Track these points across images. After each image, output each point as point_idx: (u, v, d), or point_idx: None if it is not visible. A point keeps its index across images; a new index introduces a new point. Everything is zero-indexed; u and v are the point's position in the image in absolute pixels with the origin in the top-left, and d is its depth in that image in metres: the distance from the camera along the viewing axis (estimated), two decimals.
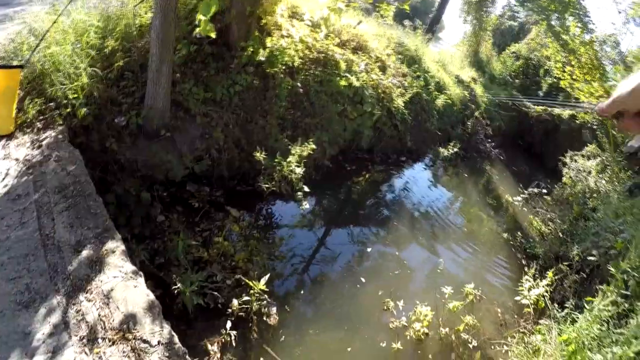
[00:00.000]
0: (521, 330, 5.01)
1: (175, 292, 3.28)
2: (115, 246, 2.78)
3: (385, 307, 4.41)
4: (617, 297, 4.22)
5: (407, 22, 13.43)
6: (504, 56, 19.85)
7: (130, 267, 2.68)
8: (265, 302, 3.70)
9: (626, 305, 4.22)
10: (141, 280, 2.65)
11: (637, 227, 5.71)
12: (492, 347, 4.64)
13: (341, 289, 4.57)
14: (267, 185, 4.82)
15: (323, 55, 6.73)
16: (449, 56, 15.80)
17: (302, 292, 4.36)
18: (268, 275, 3.73)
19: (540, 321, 4.98)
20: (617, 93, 1.10)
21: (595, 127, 11.61)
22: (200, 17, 3.91)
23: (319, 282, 4.60)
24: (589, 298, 4.45)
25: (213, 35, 3.95)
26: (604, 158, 10.41)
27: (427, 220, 7.60)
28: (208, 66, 4.95)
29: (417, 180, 9.33)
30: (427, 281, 5.47)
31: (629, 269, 4.45)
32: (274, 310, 3.74)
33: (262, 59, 5.43)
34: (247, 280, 3.69)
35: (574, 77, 11.73)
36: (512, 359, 4.47)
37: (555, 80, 14.57)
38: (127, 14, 4.89)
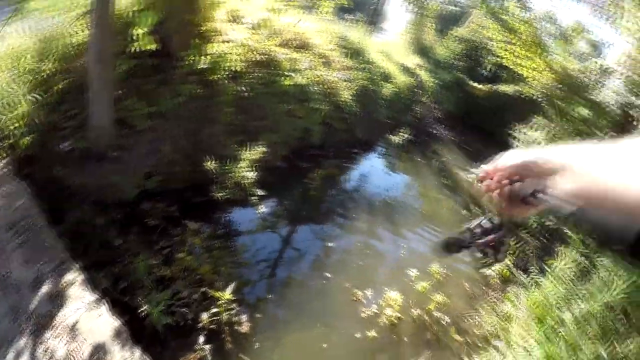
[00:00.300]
0: (491, 300, 5.43)
1: (143, 314, 3.34)
2: (74, 277, 2.85)
3: (354, 298, 4.65)
4: (576, 256, 4.64)
5: (348, 16, 13.73)
6: (447, 41, 20.65)
7: (92, 296, 2.76)
8: (234, 311, 3.83)
9: (587, 262, 4.68)
10: (105, 308, 2.74)
11: None
12: (465, 320, 4.97)
13: (309, 287, 4.77)
14: (220, 194, 4.93)
15: (266, 56, 6.86)
16: (393, 45, 16.32)
17: (271, 295, 4.50)
18: (234, 284, 3.88)
19: (508, 289, 5.42)
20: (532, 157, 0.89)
21: (540, 99, 12.37)
22: (138, 30, 3.98)
23: (287, 283, 4.78)
24: (550, 260, 4.76)
25: (153, 47, 4.01)
26: (550, 128, 11.20)
27: (386, 207, 7.95)
28: (150, 79, 4.96)
29: (372, 170, 9.71)
30: (392, 267, 5.77)
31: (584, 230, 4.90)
32: (244, 317, 3.87)
33: (205, 66, 5.51)
34: (213, 292, 3.80)
35: (516, 54, 12.46)
36: (485, 329, 4.85)
37: (498, 59, 15.37)
38: (63, 33, 4.83)
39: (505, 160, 0.97)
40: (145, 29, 4.07)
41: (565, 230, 5.18)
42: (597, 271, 4.35)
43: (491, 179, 1.01)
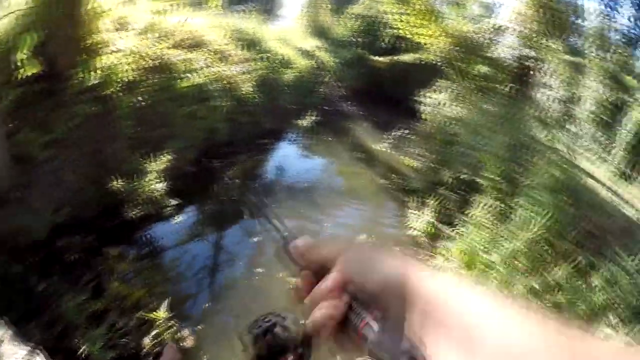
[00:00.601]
0: (422, 258, 6.06)
1: (84, 355, 3.36)
2: (2, 334, 2.81)
3: (291, 286, 5.03)
4: (491, 201, 5.25)
5: (240, 7, 13.82)
6: (344, 19, 21.41)
7: (24, 350, 2.77)
8: (175, 328, 3.93)
9: (502, 205, 5.33)
10: (40, 358, 2.83)
11: (491, 138, 7.10)
12: None
13: (248, 285, 5.02)
14: (134, 212, 5.04)
15: (158, 61, 6.86)
16: (290, 31, 16.69)
17: (210, 303, 4.69)
18: (167, 302, 4.01)
19: (438, 244, 6.02)
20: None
21: (440, 64, 13.43)
22: (21, 55, 3.96)
23: (225, 288, 5.02)
24: (467, 210, 5.26)
25: (39, 69, 4.02)
26: (453, 88, 12.29)
27: (307, 192, 8.37)
28: (42, 105, 4.78)
29: (285, 158, 10.11)
30: None
31: (494, 177, 5.61)
32: (186, 332, 4.00)
33: (96, 82, 5.49)
34: (147, 315, 3.87)
35: (412, 24, 13.36)
36: None
37: (395, 31, 16.33)
38: None
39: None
40: (27, 53, 4.05)
41: (478, 180, 5.85)
42: (514, 212, 5.01)
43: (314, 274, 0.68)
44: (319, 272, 0.68)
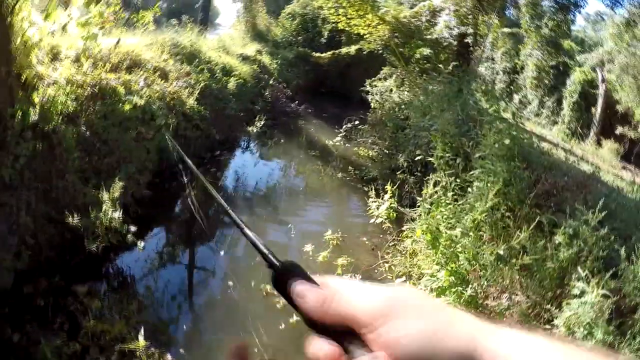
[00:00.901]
0: (391, 244, 6.26)
1: None
2: None
3: (264, 293, 5.06)
4: (447, 178, 5.44)
5: (175, 21, 13.72)
6: (282, 20, 21.67)
7: None
8: (157, 355, 3.94)
9: (457, 180, 5.54)
10: None
11: (439, 116, 7.36)
12: (375, 271, 5.70)
13: (226, 300, 5.12)
14: (95, 245, 4.97)
15: (97, 87, 6.77)
16: (229, 39, 16.73)
17: (193, 324, 4.80)
18: (142, 329, 4.05)
19: (404, 228, 6.25)
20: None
21: (381, 51, 13.82)
22: None
23: (205, 306, 5.15)
24: (424, 190, 5.35)
25: None
26: (397, 74, 12.67)
27: (270, 197, 8.62)
28: None
29: (242, 166, 10.20)
30: (288, 250, 6.36)
31: (445, 154, 5.84)
32: (169, 357, 4.02)
33: (36, 117, 5.38)
34: (127, 346, 3.87)
35: (349, 16, 13.70)
36: (397, 271, 5.60)
37: (333, 25, 16.77)
38: None
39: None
40: None
41: (430, 159, 6.07)
42: (471, 185, 5.24)
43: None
44: (337, 334, 0.50)
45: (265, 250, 0.63)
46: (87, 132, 6.13)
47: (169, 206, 7.42)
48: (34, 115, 5.31)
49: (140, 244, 5.53)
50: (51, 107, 5.57)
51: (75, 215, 5.02)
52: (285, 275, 0.56)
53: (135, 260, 5.62)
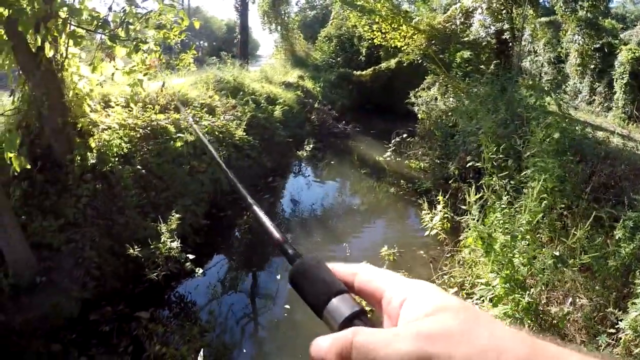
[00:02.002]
0: (448, 255, 6.12)
1: None
2: None
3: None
4: (500, 181, 5.26)
5: (214, 59, 14.45)
6: (319, 44, 22.28)
7: None
8: None
9: (511, 182, 5.28)
10: None
11: (485, 119, 7.19)
12: (436, 283, 5.59)
13: (290, 323, 5.24)
14: (155, 274, 5.28)
15: (149, 128, 7.31)
16: (270, 69, 17.36)
17: (258, 347, 4.99)
18: (202, 352, 4.22)
19: (460, 237, 6.03)
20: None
21: (421, 61, 13.81)
22: (9, 154, 4.27)
23: (269, 329, 5.31)
24: (473, 197, 4.94)
25: (28, 166, 4.34)
26: (440, 81, 12.59)
27: (325, 218, 8.70)
28: (48, 194, 5.20)
29: (296, 189, 10.39)
30: None
31: (495, 156, 5.64)
32: None
33: (94, 161, 5.86)
34: None
35: (383, 30, 13.88)
36: (457, 281, 5.47)
37: (370, 41, 17.04)
38: None
39: None
40: (14, 152, 4.34)
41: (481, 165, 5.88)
42: (525, 185, 5.01)
43: None
44: None
45: (280, 238, 0.60)
46: (143, 170, 6.61)
47: (227, 234, 7.71)
48: (92, 159, 5.82)
49: (199, 271, 5.77)
50: (107, 150, 6.07)
51: (136, 247, 5.38)
52: (301, 274, 0.53)
53: (196, 287, 5.89)
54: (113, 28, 5.09)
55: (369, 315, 0.48)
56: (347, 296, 0.50)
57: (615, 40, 16.54)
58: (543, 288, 4.09)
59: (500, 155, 5.77)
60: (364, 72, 19.61)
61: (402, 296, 0.46)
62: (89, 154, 5.80)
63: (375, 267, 0.53)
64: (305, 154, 11.91)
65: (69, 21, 4.84)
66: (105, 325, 4.65)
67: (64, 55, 5.16)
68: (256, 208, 0.70)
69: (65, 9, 4.67)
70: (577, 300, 3.91)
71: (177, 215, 5.94)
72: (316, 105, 15.13)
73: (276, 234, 0.60)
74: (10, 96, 5.23)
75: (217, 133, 8.86)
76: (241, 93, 11.43)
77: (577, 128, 6.34)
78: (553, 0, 13.69)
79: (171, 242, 5.61)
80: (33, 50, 4.86)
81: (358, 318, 0.47)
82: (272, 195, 9.59)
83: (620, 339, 3.26)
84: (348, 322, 0.47)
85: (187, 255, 5.66)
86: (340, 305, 0.48)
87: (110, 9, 5.20)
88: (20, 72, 5.09)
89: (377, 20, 13.55)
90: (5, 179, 4.81)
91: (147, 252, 5.44)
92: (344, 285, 0.51)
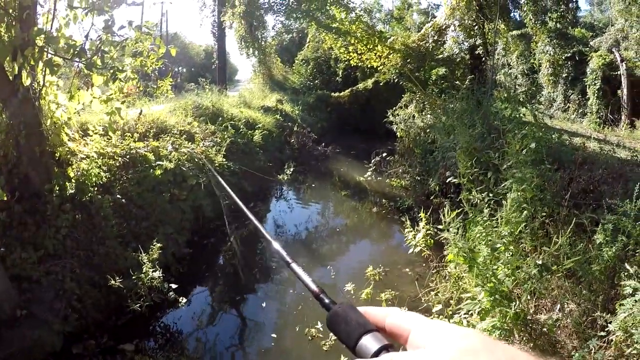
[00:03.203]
0: (434, 271, 6.14)
1: None
2: None
3: (310, 337, 5.15)
4: (479, 194, 5.32)
5: (193, 85, 14.57)
6: (296, 67, 22.68)
7: None
8: None
9: (490, 195, 5.31)
10: None
11: (462, 133, 7.31)
12: (422, 300, 5.59)
13: (279, 348, 5.24)
14: (138, 305, 5.21)
15: (128, 156, 7.29)
16: (248, 93, 17.56)
17: None
18: None
19: (445, 253, 6.13)
20: None
21: (397, 80, 14.14)
22: None
23: (259, 355, 5.26)
24: (449, 215, 4.97)
25: (4, 198, 4.31)
26: (417, 99, 12.88)
27: (309, 241, 8.78)
28: (27, 225, 5.13)
29: (278, 213, 10.42)
30: (329, 292, 6.25)
31: (472, 170, 5.72)
32: None
33: (73, 191, 5.82)
34: None
35: (359, 51, 14.22)
36: (443, 297, 5.44)
37: (346, 62, 17.44)
38: None
39: None
40: None
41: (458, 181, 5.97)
42: (504, 198, 5.07)
43: None
44: None
45: (317, 290, 0.73)
46: (123, 200, 6.58)
47: (211, 262, 7.66)
48: (70, 189, 5.79)
49: (183, 300, 5.72)
50: (86, 180, 6.04)
51: (118, 278, 5.32)
52: (337, 318, 0.62)
53: (181, 316, 5.82)
54: (90, 56, 5.11)
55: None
56: (377, 334, 0.58)
57: (585, 48, 17.20)
58: (530, 297, 4.16)
59: (476, 169, 5.89)
60: (341, 94, 19.97)
61: (427, 336, 0.53)
62: (67, 183, 5.76)
63: (404, 310, 0.61)
64: (286, 178, 11.96)
65: (45, 49, 4.86)
66: (89, 359, 4.57)
67: (41, 83, 5.16)
68: (294, 265, 0.81)
69: (42, 37, 4.70)
70: (566, 306, 3.98)
71: (159, 245, 5.91)
72: (295, 129, 15.29)
73: (314, 287, 0.73)
74: None
75: (197, 160, 8.86)
76: (220, 119, 11.50)
77: (553, 136, 6.51)
78: (523, 14, 14.23)
79: (153, 272, 5.56)
80: (10, 77, 4.86)
81: (386, 350, 0.55)
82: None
83: (612, 340, 3.33)
84: (377, 354, 0.55)
85: (170, 285, 5.63)
86: (370, 341, 0.57)
87: (87, 37, 5.23)
88: None
89: (352, 41, 13.89)
90: None
91: (129, 282, 5.38)
92: (373, 326, 0.59)
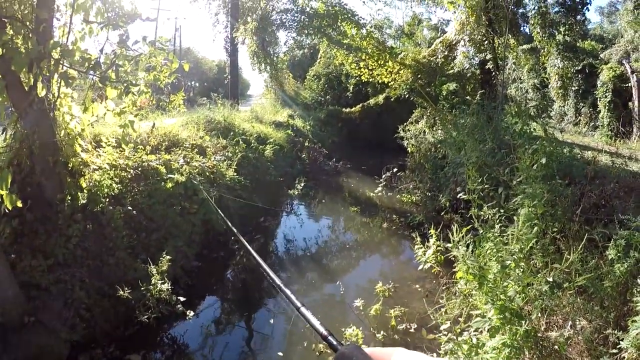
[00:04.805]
0: (444, 287, 6.07)
1: None
2: None
3: (317, 353, 5.13)
4: (490, 210, 5.19)
5: (205, 100, 14.77)
6: (308, 82, 22.91)
7: None
8: None
9: (501, 211, 5.32)
10: None
11: (473, 149, 7.28)
12: (431, 317, 5.54)
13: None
14: (146, 316, 5.25)
15: (140, 169, 7.39)
16: (260, 108, 17.73)
17: None
18: None
19: (455, 269, 6.09)
20: None
21: (407, 95, 14.20)
22: (0, 192, 4.32)
23: None
24: (458, 234, 4.92)
25: (19, 204, 4.37)
26: (428, 114, 12.89)
27: (319, 256, 8.73)
28: (38, 233, 5.21)
29: (289, 228, 10.42)
30: (338, 308, 6.40)
31: (483, 186, 5.66)
32: None
33: (84, 201, 5.91)
34: None
35: (370, 67, 14.35)
36: (452, 314, 5.44)
37: (357, 78, 17.57)
38: None
39: None
40: (6, 190, 4.39)
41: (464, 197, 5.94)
42: (516, 214, 5.02)
43: None
44: None
45: (324, 332, 0.77)
46: (134, 211, 6.65)
47: (219, 275, 7.67)
48: (82, 199, 5.87)
49: (190, 313, 5.74)
50: (98, 191, 6.13)
51: (127, 289, 5.36)
52: (343, 359, 0.66)
53: (188, 329, 5.82)
54: (104, 70, 5.22)
55: None
56: None
57: (595, 60, 17.13)
58: (541, 314, 4.10)
59: (487, 185, 5.85)
60: (352, 109, 20.11)
61: None
62: (79, 193, 5.85)
63: (409, 351, 0.63)
64: (296, 193, 12.01)
65: (61, 62, 4.98)
66: None
67: (56, 94, 5.29)
68: (303, 309, 0.89)
69: (58, 49, 4.82)
70: (577, 323, 3.92)
71: (168, 257, 5.97)
72: (306, 144, 15.38)
73: (322, 330, 0.80)
74: (2, 133, 5.34)
75: (208, 174, 8.95)
76: (232, 133, 11.62)
77: (564, 151, 6.46)
78: (531, 27, 14.23)
79: (162, 283, 5.60)
80: (26, 88, 5.00)
81: None
82: (265, 236, 9.59)
83: (624, 358, 3.27)
84: None
85: (179, 297, 5.65)
86: None
87: (102, 51, 5.36)
88: (13, 110, 5.22)
89: (363, 57, 14.03)
90: None
91: (138, 293, 5.43)
92: None
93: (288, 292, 0.93)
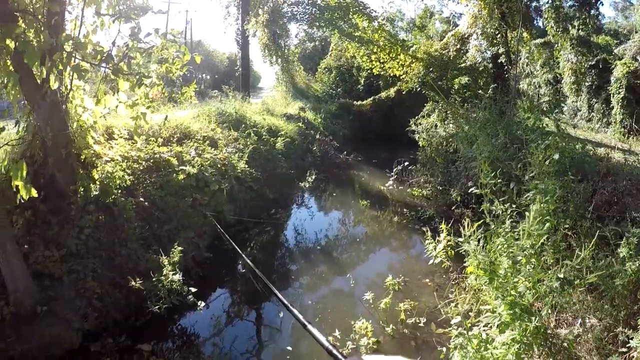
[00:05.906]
0: (454, 282, 6.06)
1: None
2: None
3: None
4: (501, 206, 5.07)
5: (216, 92, 14.75)
6: (319, 75, 22.82)
7: None
8: None
9: (513, 206, 5.21)
10: None
11: (485, 143, 7.18)
12: (441, 312, 5.49)
13: (296, 354, 5.19)
14: (157, 306, 5.27)
15: (152, 161, 7.41)
16: (271, 101, 17.69)
17: None
18: None
19: (466, 264, 6.03)
20: None
21: (419, 89, 14.06)
22: (16, 182, 4.34)
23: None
24: (469, 229, 4.97)
25: (35, 194, 4.39)
26: (439, 108, 12.76)
27: (329, 249, 8.69)
28: (51, 224, 5.27)
29: (299, 221, 10.41)
30: (348, 301, 6.38)
31: (495, 181, 5.59)
32: None
33: (96, 192, 5.94)
34: None
35: (381, 60, 14.22)
36: (461, 309, 5.31)
37: (369, 71, 17.44)
38: None
39: None
40: (22, 180, 4.41)
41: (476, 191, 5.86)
42: (527, 209, 4.95)
43: None
44: None
45: (329, 346, 0.79)
46: (146, 203, 6.69)
47: (230, 266, 7.68)
48: (95, 191, 5.91)
49: (201, 304, 5.77)
50: (110, 182, 6.15)
51: (139, 279, 5.40)
52: None
53: (199, 319, 5.84)
54: (116, 62, 5.22)
55: None
56: None
57: (609, 55, 16.80)
58: (550, 311, 4.05)
59: (499, 180, 5.76)
60: (364, 102, 19.99)
61: None
62: (92, 185, 5.89)
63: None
64: (307, 185, 12.00)
65: (73, 55, 4.98)
66: (106, 357, 4.64)
67: (69, 87, 5.30)
68: (310, 327, 0.91)
69: (70, 42, 4.82)
70: (587, 320, 3.87)
71: (180, 248, 5.99)
72: (318, 137, 15.34)
73: (327, 344, 0.83)
74: (15, 126, 5.38)
75: (219, 166, 8.95)
76: (243, 125, 11.62)
77: (577, 147, 6.36)
78: (545, 21, 13.98)
79: (173, 274, 5.63)
80: (38, 81, 5.02)
81: None
82: (275, 228, 9.58)
83: (633, 357, 3.22)
84: None
85: (190, 288, 5.67)
86: None
87: (114, 43, 5.35)
88: (26, 103, 5.25)
89: (375, 50, 13.90)
90: (8, 207, 4.89)
91: (149, 284, 5.46)
92: None
93: (295, 311, 0.92)
